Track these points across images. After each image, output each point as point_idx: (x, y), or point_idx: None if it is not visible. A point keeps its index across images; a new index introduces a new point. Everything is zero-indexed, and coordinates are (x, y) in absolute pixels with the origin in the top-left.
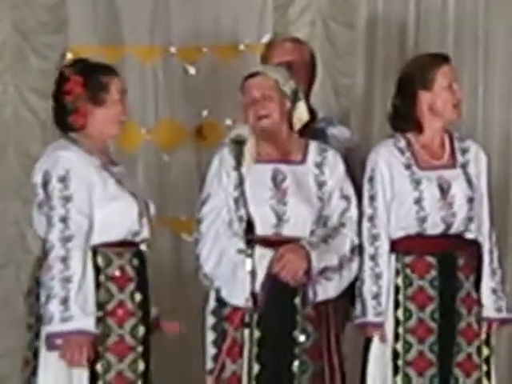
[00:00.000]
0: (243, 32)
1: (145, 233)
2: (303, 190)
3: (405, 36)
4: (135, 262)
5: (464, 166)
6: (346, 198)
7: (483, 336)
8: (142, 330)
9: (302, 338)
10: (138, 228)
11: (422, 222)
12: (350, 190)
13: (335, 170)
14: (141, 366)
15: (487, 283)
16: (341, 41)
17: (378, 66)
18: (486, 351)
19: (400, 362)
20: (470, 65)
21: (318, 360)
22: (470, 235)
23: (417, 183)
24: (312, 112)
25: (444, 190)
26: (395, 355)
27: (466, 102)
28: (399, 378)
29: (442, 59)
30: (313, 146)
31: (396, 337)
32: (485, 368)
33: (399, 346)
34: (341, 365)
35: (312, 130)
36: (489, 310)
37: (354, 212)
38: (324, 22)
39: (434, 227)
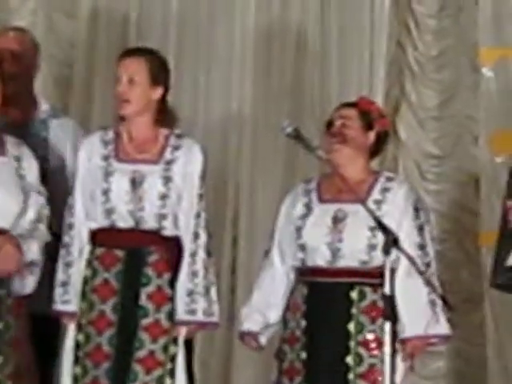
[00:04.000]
0: None
1: None
2: (7, 182)
3: (127, 28)
4: None
5: (169, 163)
6: (41, 193)
7: (175, 334)
8: None
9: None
10: None
11: (109, 213)
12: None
13: (32, 164)
14: None
15: (184, 284)
16: (62, 31)
17: (99, 58)
18: (173, 349)
19: (80, 353)
20: (191, 58)
21: (20, 351)
22: (166, 232)
23: (108, 175)
24: (35, 102)
25: (136, 184)
26: (77, 346)
27: (188, 95)
28: (78, 368)
29: (122, 54)
30: (9, 139)
31: (79, 327)
32: (169, 366)
33: (81, 337)
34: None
35: (33, 121)
36: (180, 312)
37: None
38: (46, 11)
39: (122, 221)
